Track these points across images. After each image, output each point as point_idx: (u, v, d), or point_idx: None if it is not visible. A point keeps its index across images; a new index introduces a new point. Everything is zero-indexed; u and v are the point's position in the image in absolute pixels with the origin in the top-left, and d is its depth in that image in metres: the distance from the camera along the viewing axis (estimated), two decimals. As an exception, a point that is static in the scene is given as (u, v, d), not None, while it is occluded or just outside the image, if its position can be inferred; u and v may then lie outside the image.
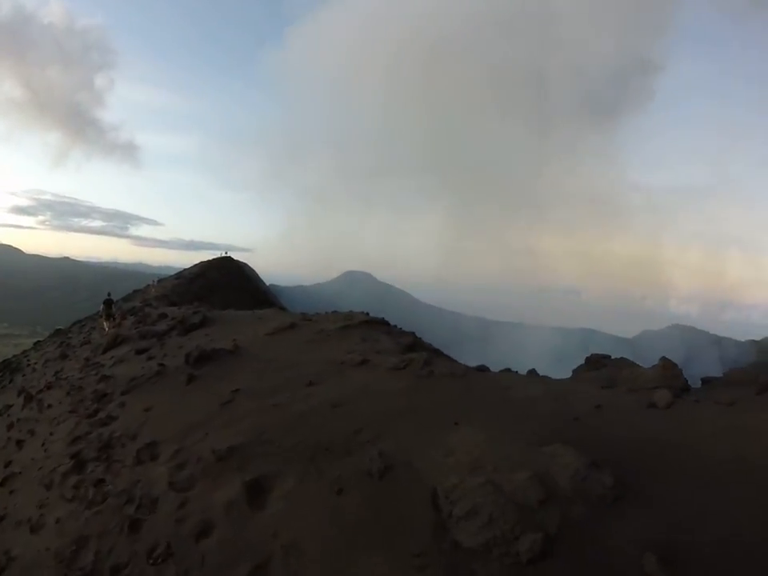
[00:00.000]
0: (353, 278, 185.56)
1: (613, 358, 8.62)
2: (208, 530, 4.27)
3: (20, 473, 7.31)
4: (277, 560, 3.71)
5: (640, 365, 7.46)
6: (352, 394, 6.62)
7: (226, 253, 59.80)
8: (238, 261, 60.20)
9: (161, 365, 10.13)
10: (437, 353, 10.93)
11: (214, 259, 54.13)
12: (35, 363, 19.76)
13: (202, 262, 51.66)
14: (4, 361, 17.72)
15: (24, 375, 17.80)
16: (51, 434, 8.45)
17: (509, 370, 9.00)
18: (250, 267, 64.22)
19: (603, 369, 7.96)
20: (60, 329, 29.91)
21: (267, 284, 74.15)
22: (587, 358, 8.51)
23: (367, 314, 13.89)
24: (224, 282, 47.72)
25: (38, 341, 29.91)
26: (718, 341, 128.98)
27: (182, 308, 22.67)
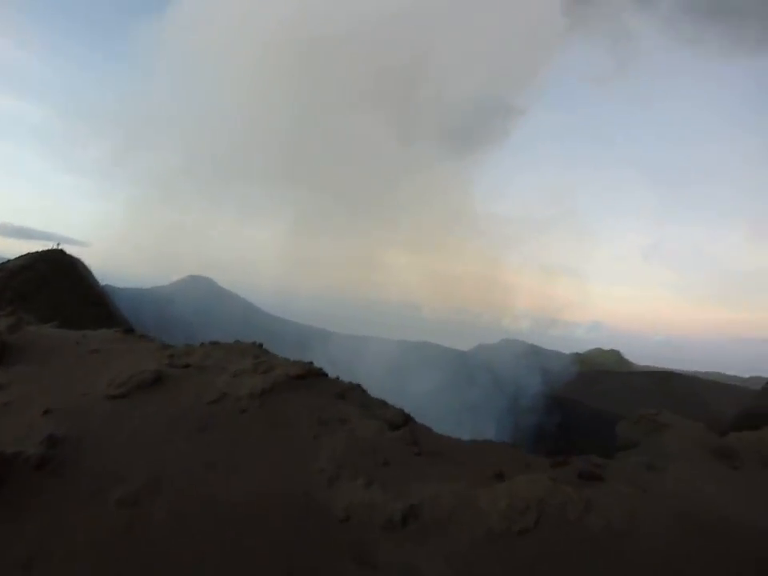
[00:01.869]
0: (194, 283, 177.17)
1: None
2: None
3: None
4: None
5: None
6: None
7: (59, 245, 54.79)
8: (71, 255, 55.43)
9: None
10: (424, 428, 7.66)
11: (44, 251, 49.44)
12: None
13: (30, 253, 46.90)
14: None
15: None
16: None
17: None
18: (83, 264, 59.27)
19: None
20: None
21: (102, 284, 68.86)
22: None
23: (260, 345, 10.44)
24: (53, 279, 43.78)
25: None
26: (545, 354, 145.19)
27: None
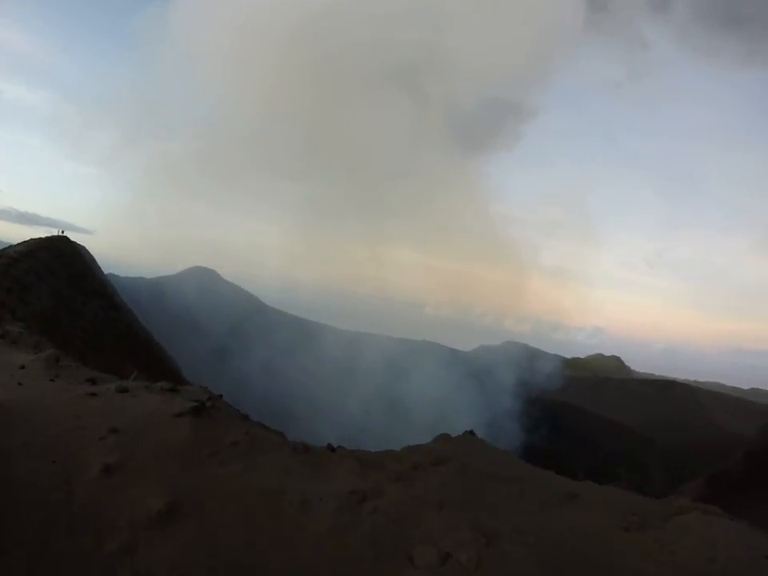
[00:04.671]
0: (198, 274, 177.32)
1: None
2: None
3: None
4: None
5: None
6: None
7: (63, 232, 54.18)
8: (75, 243, 55.02)
9: None
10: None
11: (47, 238, 48.80)
12: None
13: (32, 239, 46.10)
14: None
15: None
16: None
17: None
18: (88, 252, 59.05)
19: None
20: None
21: (106, 272, 68.78)
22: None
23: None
24: (56, 267, 43.19)
25: None
26: (546, 357, 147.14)
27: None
